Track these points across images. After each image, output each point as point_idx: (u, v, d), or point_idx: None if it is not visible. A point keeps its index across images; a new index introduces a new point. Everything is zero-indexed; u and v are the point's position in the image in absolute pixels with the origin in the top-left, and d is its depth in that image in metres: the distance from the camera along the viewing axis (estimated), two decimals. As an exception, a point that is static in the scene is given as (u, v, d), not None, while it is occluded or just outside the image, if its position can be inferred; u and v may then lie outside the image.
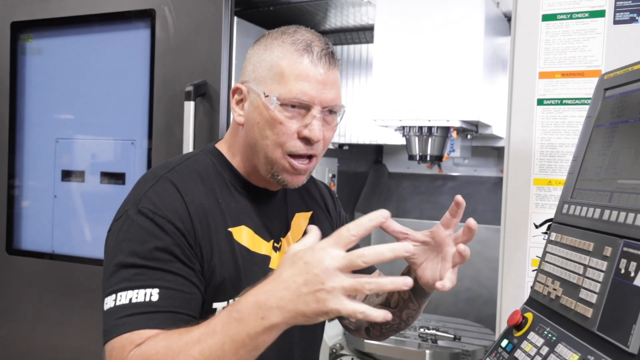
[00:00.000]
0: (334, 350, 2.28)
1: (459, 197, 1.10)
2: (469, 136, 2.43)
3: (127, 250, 0.99)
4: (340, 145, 3.03)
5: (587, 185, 1.07)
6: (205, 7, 1.83)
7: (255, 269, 1.13)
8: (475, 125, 2.29)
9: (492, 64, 2.21)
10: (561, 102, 1.44)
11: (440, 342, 2.14)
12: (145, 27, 1.94)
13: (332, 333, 2.41)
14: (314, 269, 0.81)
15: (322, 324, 1.35)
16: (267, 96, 1.07)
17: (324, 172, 2.80)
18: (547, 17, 1.46)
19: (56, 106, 2.15)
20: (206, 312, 1.06)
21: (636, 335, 0.79)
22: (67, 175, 2.13)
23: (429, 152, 2.27)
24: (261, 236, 1.16)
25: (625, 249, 0.87)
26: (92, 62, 2.07)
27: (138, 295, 0.95)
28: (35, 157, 2.20)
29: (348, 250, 0.85)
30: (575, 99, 1.42)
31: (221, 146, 1.21)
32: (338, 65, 1.13)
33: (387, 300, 1.29)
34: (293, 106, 1.07)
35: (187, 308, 1.00)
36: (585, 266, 0.96)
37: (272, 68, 1.08)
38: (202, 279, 1.05)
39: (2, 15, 2.23)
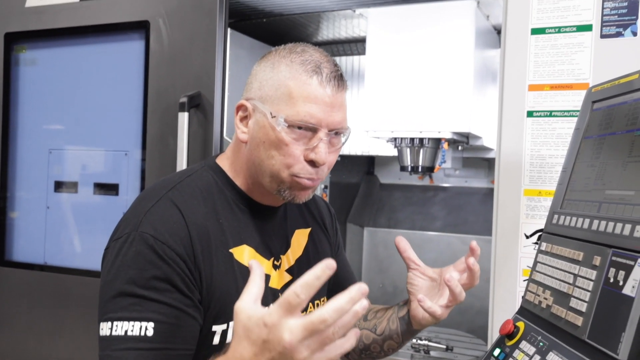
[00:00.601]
0: None
1: (473, 244, 1.15)
2: (459, 147, 2.46)
3: (125, 278, 0.98)
4: (333, 156, 3.04)
5: (576, 196, 1.09)
6: (200, 19, 1.85)
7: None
8: (466, 136, 2.31)
9: (482, 76, 2.24)
10: (550, 114, 1.47)
11: (432, 353, 2.15)
12: (140, 39, 1.95)
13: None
14: (277, 347, 0.76)
15: None
16: (274, 117, 1.04)
17: (316, 183, 2.81)
18: (536, 31, 1.49)
19: (49, 117, 2.15)
20: (205, 335, 1.05)
21: (625, 343, 0.81)
22: (59, 186, 2.13)
23: (420, 163, 2.29)
24: (262, 254, 1.14)
25: (614, 258, 0.89)
26: (86, 73, 2.08)
27: (134, 328, 0.95)
28: (28, 167, 2.20)
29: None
30: (564, 111, 1.45)
31: (222, 162, 1.18)
32: (346, 87, 1.11)
33: (375, 327, 1.31)
34: (299, 128, 1.05)
35: (183, 343, 0.99)
36: (576, 275, 0.98)
37: (279, 88, 1.05)
38: (201, 307, 1.03)
39: (-5, 26, 2.24)
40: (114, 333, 0.95)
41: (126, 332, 0.95)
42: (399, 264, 3.08)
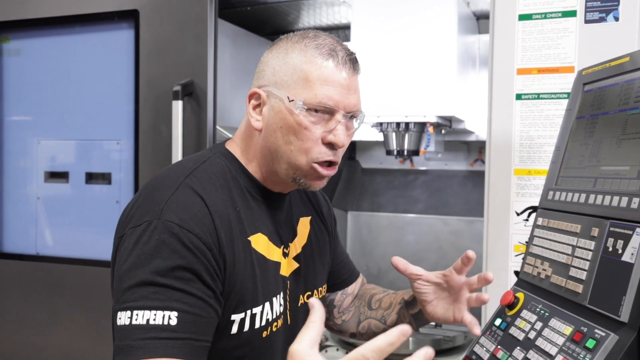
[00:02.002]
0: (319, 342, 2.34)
1: (470, 253, 1.18)
2: (443, 131, 2.52)
3: (147, 267, 0.94)
4: (316, 142, 3.08)
5: (571, 173, 1.15)
6: (190, 7, 1.86)
7: (269, 277, 1.12)
8: (449, 120, 2.38)
9: (464, 61, 2.30)
10: (538, 96, 1.53)
11: (421, 329, 2.23)
12: (129, 28, 1.95)
13: (315, 325, 2.47)
14: None
15: None
16: (292, 101, 1.04)
17: (301, 168, 2.85)
18: (523, 17, 1.55)
19: (37, 108, 2.14)
20: (224, 324, 1.04)
21: (626, 305, 0.88)
22: (50, 176, 2.12)
23: (406, 147, 2.35)
24: (274, 243, 1.15)
25: (612, 228, 0.96)
26: (75, 62, 2.07)
27: (156, 317, 0.92)
28: (16, 159, 2.18)
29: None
30: (551, 93, 1.52)
31: (234, 149, 1.16)
32: (359, 71, 1.12)
33: (384, 318, 1.34)
34: (317, 111, 1.05)
35: (204, 334, 0.97)
36: (574, 246, 1.05)
37: (295, 72, 1.06)
38: (222, 299, 1.02)
39: (-24, 16, 2.21)
40: (134, 322, 0.91)
41: (148, 320, 0.91)
42: (382, 246, 3.17)
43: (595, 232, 1.00)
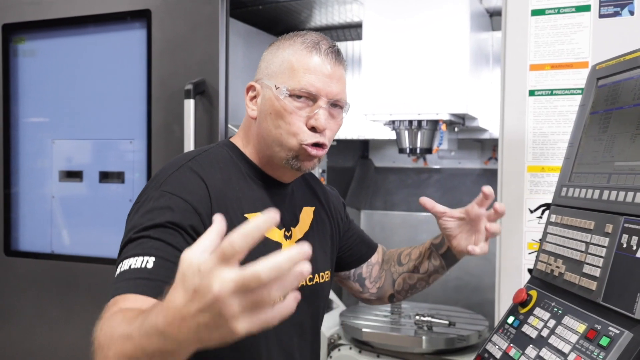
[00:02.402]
0: (332, 341, 2.33)
1: (485, 189, 1.27)
2: (455, 129, 2.51)
3: (137, 226, 1.05)
4: (329, 141, 3.08)
5: (585, 169, 1.14)
6: (201, 7, 1.87)
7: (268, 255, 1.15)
8: (462, 118, 2.36)
9: (477, 59, 2.28)
10: (551, 92, 1.52)
11: (435, 329, 2.22)
12: (141, 27, 1.96)
13: (329, 324, 2.46)
14: (205, 297, 0.68)
15: (321, 319, 1.40)
16: (278, 88, 1.16)
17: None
18: (536, 12, 1.53)
19: (51, 107, 2.16)
20: None
21: (641, 302, 0.86)
22: (64, 175, 2.14)
23: (418, 145, 2.33)
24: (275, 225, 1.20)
25: (626, 225, 0.95)
26: (88, 62, 2.09)
27: (136, 262, 0.99)
28: (32, 158, 2.21)
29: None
30: (565, 89, 1.50)
31: (236, 140, 1.28)
32: (344, 64, 1.22)
33: (416, 268, 1.44)
34: (300, 97, 1.16)
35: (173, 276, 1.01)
36: (588, 243, 1.03)
37: (283, 64, 1.18)
38: None
39: (-8, 17, 2.23)
40: (120, 270, 1.01)
41: (130, 266, 1.00)
42: (396, 244, 3.15)
43: (609, 228, 0.99)
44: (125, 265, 1.00)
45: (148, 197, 1.11)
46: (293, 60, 1.17)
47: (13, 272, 2.22)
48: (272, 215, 0.69)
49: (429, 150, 2.34)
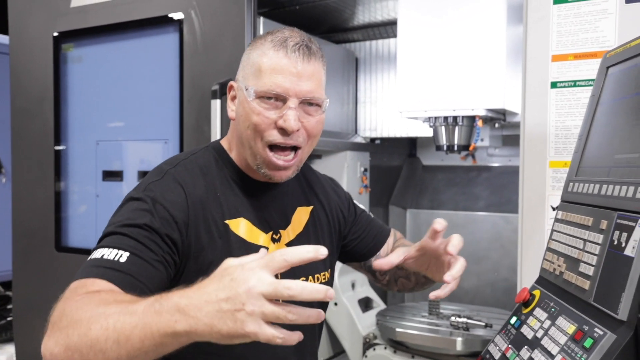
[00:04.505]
0: (367, 340, 2.32)
1: (437, 226, 1.20)
2: (496, 125, 2.43)
3: (117, 223, 1.06)
4: (372, 140, 3.06)
5: (590, 163, 1.08)
6: (228, 8, 1.91)
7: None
8: (503, 113, 2.29)
9: (515, 52, 2.20)
10: (575, 84, 1.44)
11: (471, 330, 2.16)
12: (174, 31, 2.03)
13: (366, 323, 2.45)
14: (238, 287, 0.77)
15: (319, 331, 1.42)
16: (247, 89, 1.14)
17: (355, 166, 2.84)
18: (558, 0, 1.46)
19: (95, 110, 2.28)
20: None
21: (625, 303, 0.81)
22: (107, 175, 2.25)
23: (456, 141, 2.28)
24: (259, 228, 1.21)
25: (618, 220, 0.89)
26: (127, 67, 2.19)
27: (110, 254, 1.00)
28: (79, 159, 2.33)
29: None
30: (589, 80, 1.42)
31: (224, 142, 1.28)
32: (317, 59, 1.17)
33: (408, 277, 1.43)
34: (269, 98, 1.13)
35: (146, 279, 1.02)
36: (585, 241, 0.98)
37: (252, 65, 1.16)
38: (172, 270, 1.09)
39: (45, 27, 2.37)
40: (91, 257, 1.02)
41: (102, 255, 1.01)
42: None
43: (604, 224, 0.93)
44: (97, 254, 1.02)
45: (132, 197, 1.12)
46: (260, 61, 1.14)
47: (63, 267, 2.35)
48: (321, 252, 0.80)
49: (466, 147, 2.28)
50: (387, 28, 2.94)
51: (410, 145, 3.30)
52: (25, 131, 2.45)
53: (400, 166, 3.31)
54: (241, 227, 1.18)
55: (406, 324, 2.27)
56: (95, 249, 1.05)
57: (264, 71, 1.13)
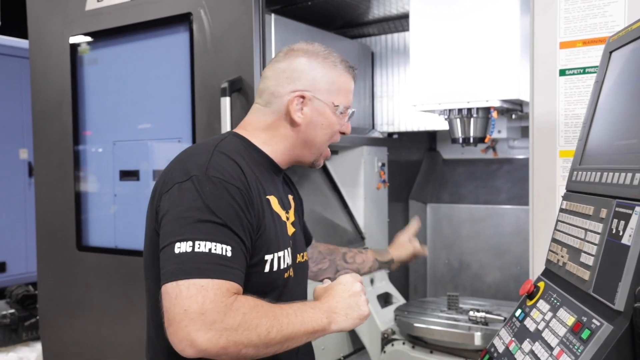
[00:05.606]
0: (385, 335, 2.31)
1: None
2: (513, 116, 2.39)
3: (205, 209, 1.12)
4: (390, 134, 3.04)
5: (593, 151, 1.05)
6: (237, 7, 1.91)
7: (284, 231, 1.32)
8: (519, 104, 2.24)
9: (529, 41, 2.16)
10: (584, 70, 1.41)
11: (490, 325, 2.12)
12: (184, 30, 2.05)
13: (385, 319, 2.44)
14: (352, 287, 1.26)
15: None
16: (337, 106, 1.36)
17: (372, 161, 2.82)
18: (565, -14, 1.43)
19: (111, 111, 2.31)
20: (260, 262, 1.23)
21: (621, 293, 0.79)
22: (124, 175, 2.28)
23: (471, 134, 2.25)
24: (282, 207, 1.35)
25: (617, 208, 0.87)
26: (140, 67, 2.21)
27: (217, 248, 1.09)
28: (97, 160, 2.37)
29: None
30: (598, 66, 1.39)
31: (246, 135, 1.35)
32: None
33: (358, 270, 1.72)
34: (341, 112, 1.38)
35: (244, 270, 1.15)
36: (586, 230, 0.96)
37: (333, 84, 1.35)
38: (250, 246, 1.19)
39: (61, 32, 2.42)
40: (197, 250, 1.09)
41: (210, 250, 1.09)
42: (464, 238, 3.06)
43: (603, 213, 0.91)
44: (202, 247, 1.09)
45: (197, 179, 1.15)
46: (341, 82, 1.36)
47: (84, 266, 2.39)
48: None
49: (482, 139, 2.24)
50: (402, 21, 2.91)
51: (430, 139, 3.27)
52: (46, 134, 2.50)
53: (419, 160, 3.28)
54: (274, 202, 1.30)
55: (424, 319, 2.25)
56: (192, 238, 1.09)
57: (345, 91, 1.37)
